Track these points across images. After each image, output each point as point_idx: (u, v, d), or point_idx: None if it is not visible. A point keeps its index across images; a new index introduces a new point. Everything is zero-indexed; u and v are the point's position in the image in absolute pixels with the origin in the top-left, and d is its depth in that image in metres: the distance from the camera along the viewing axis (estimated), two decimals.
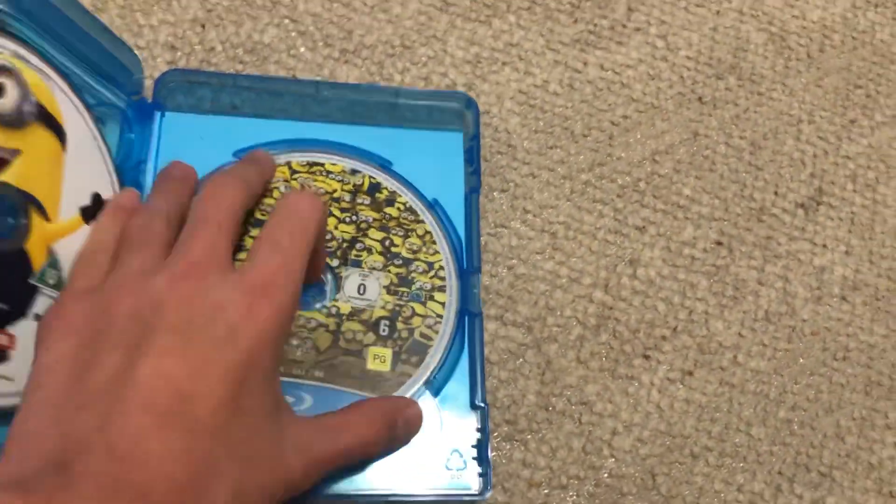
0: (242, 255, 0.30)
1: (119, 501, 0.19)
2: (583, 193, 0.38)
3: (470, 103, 0.37)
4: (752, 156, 0.40)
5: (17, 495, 0.19)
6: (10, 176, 0.25)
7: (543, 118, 0.39)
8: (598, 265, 0.37)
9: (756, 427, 0.36)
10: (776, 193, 0.40)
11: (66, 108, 0.28)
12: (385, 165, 0.35)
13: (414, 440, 0.30)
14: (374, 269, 0.33)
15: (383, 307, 0.32)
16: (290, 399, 0.30)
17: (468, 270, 0.34)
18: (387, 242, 0.33)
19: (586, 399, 0.35)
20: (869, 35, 0.44)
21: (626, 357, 0.36)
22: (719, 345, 0.37)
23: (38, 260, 0.26)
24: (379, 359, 0.31)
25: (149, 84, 0.35)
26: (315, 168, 0.34)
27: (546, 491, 0.33)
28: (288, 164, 0.34)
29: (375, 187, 0.34)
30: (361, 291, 0.32)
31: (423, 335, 0.32)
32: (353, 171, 0.34)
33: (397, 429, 0.29)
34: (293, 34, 0.39)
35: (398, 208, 0.34)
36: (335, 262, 0.32)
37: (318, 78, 0.38)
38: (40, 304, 0.25)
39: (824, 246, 0.39)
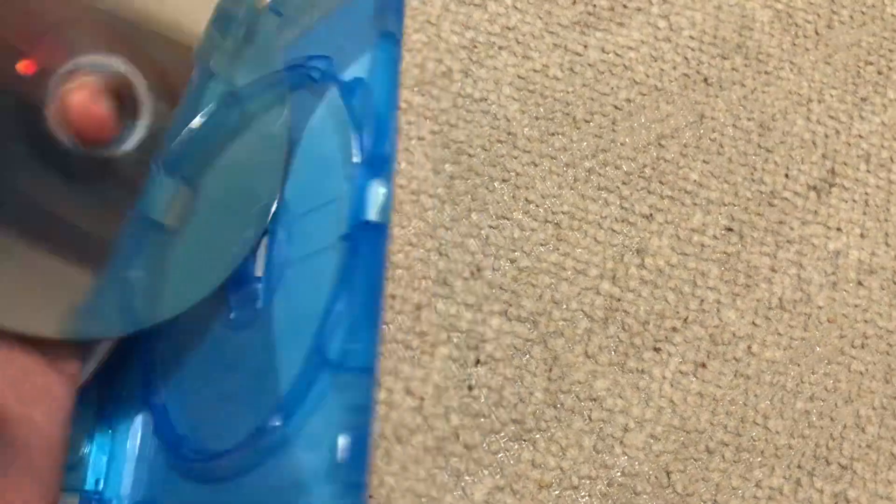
0: None
1: None
2: (586, 181, 0.37)
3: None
4: (761, 138, 0.39)
5: None
6: None
7: (544, 104, 0.38)
8: (604, 255, 0.36)
9: (773, 419, 0.34)
10: (787, 176, 0.39)
11: None
12: None
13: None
14: None
15: None
16: None
17: None
18: None
19: (596, 395, 0.33)
20: (878, 9, 0.43)
21: (635, 350, 0.34)
22: (732, 335, 0.35)
23: None
24: None
25: None
26: None
27: (557, 492, 0.32)
28: None
29: None
30: None
31: None
32: None
33: None
34: None
35: None
36: None
37: None
38: None
39: (838, 229, 0.38)
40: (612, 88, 0.39)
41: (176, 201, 0.25)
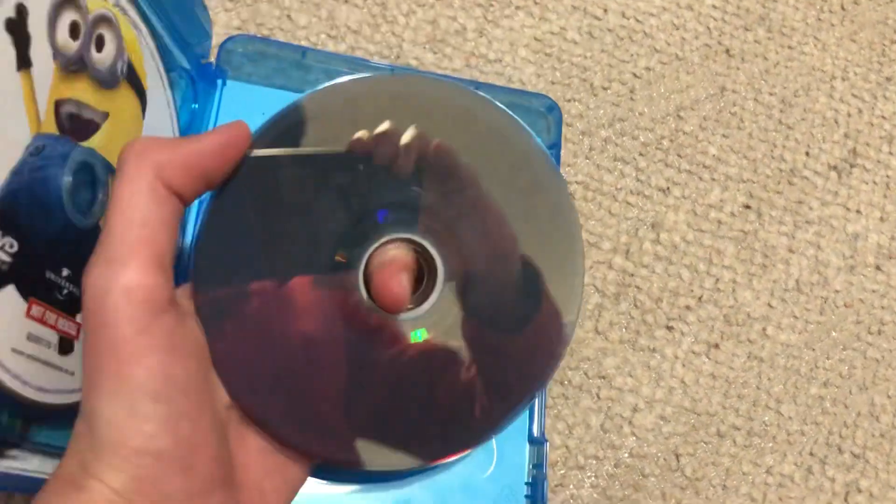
0: None
1: None
2: (602, 151, 0.35)
3: (553, 108, 0.32)
4: (782, 113, 0.37)
5: None
6: (97, 143, 0.22)
7: (560, 68, 0.36)
8: (618, 229, 0.34)
9: (786, 404, 0.33)
10: (808, 154, 0.37)
11: (150, 71, 0.25)
12: None
13: (464, 475, 0.28)
14: None
15: None
16: None
17: None
18: None
19: (605, 373, 0.32)
20: None
21: (647, 328, 0.33)
22: (747, 316, 0.34)
23: None
24: None
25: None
26: None
27: (562, 471, 0.31)
28: None
29: None
30: None
31: None
32: None
33: None
34: None
35: None
36: None
37: (387, 62, 0.34)
38: None
39: (858, 211, 0.37)
40: (632, 56, 0.37)
41: None
